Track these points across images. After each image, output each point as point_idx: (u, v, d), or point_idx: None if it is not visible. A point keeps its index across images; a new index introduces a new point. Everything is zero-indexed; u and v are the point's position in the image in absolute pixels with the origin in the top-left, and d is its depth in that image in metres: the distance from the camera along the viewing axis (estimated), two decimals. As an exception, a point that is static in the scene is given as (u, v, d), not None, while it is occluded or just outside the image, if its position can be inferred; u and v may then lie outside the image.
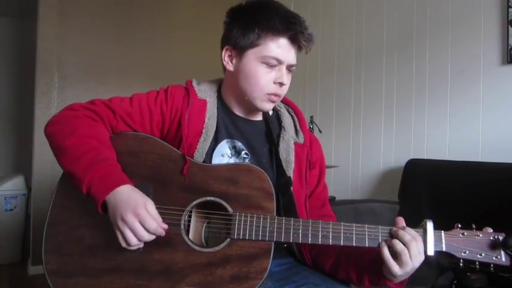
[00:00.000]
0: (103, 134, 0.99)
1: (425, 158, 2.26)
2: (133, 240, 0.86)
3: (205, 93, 1.10)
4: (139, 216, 0.86)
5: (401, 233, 0.85)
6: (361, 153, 2.69)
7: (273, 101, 1.06)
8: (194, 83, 1.11)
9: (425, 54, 2.33)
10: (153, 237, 0.88)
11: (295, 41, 1.02)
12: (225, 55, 1.09)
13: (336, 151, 2.83)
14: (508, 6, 1.94)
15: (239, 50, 1.05)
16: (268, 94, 1.04)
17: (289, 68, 1.05)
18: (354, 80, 2.77)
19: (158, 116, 1.04)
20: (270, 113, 1.18)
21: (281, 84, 1.03)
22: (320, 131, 2.48)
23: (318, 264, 1.07)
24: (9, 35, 4.35)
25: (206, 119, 1.05)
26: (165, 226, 0.90)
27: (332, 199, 2.39)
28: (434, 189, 2.04)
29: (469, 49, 2.11)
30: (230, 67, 1.08)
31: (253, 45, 1.02)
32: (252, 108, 1.10)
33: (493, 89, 2.01)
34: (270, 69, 1.02)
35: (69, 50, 3.09)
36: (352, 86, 2.77)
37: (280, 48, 1.01)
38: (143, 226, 0.86)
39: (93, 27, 3.18)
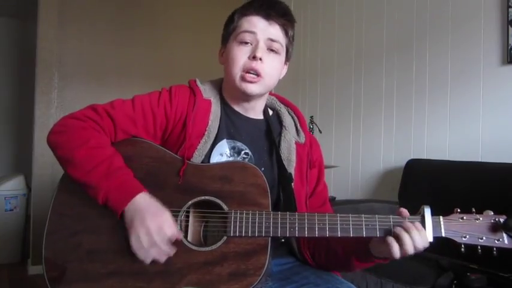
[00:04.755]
0: (109, 143, 1.00)
1: (425, 158, 2.26)
2: (146, 243, 0.88)
3: (209, 93, 1.10)
4: (157, 221, 0.88)
5: (409, 226, 0.86)
6: (361, 153, 2.69)
7: (249, 81, 1.02)
8: (198, 83, 1.11)
9: (425, 54, 2.33)
10: (165, 246, 0.89)
11: (268, 17, 1.04)
12: (219, 54, 1.14)
13: (336, 151, 2.83)
14: (508, 6, 1.94)
15: (225, 42, 1.10)
16: (243, 72, 1.02)
17: (269, 45, 1.04)
18: (354, 80, 2.77)
19: (162, 118, 1.03)
20: (270, 112, 1.18)
21: (255, 57, 1.01)
22: (320, 131, 2.48)
23: (316, 259, 1.07)
24: (9, 35, 4.35)
25: (210, 121, 1.05)
26: (180, 236, 0.90)
27: (332, 199, 2.39)
28: (434, 190, 2.04)
29: (469, 49, 2.11)
30: (223, 61, 1.12)
31: (232, 31, 1.07)
32: (242, 96, 1.08)
33: (493, 89, 2.01)
34: (245, 46, 1.04)
35: (69, 50, 3.09)
36: (352, 86, 2.77)
37: (250, 23, 1.04)
38: (161, 231, 0.87)
39: (93, 27, 3.18)
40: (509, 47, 1.93)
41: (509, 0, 1.93)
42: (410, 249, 0.85)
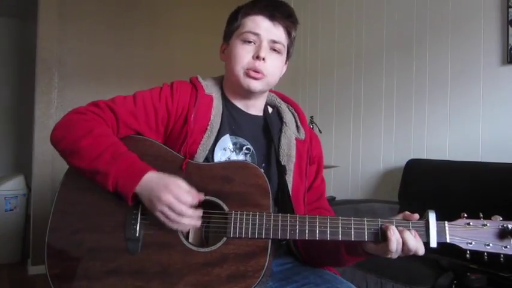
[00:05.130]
0: (112, 133, 1.00)
1: (425, 158, 2.26)
2: (173, 215, 0.88)
3: (211, 88, 1.11)
4: (172, 192, 0.88)
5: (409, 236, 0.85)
6: (361, 153, 2.69)
7: (253, 77, 1.04)
8: (200, 79, 1.11)
9: (425, 54, 2.32)
10: (191, 212, 0.89)
11: (272, 18, 1.05)
12: (221, 51, 1.14)
13: (336, 151, 2.83)
14: (508, 6, 1.94)
15: (228, 39, 1.10)
16: (247, 69, 1.03)
17: (272, 46, 1.05)
18: (354, 80, 2.77)
19: (164, 113, 1.04)
20: (270, 110, 1.18)
21: (258, 57, 1.03)
22: (320, 131, 2.48)
23: (310, 254, 1.07)
24: (9, 35, 4.35)
25: (212, 116, 1.06)
26: (201, 197, 0.91)
27: (332, 199, 2.39)
28: (434, 189, 2.04)
29: (469, 49, 2.11)
30: (224, 57, 1.12)
31: (235, 29, 1.08)
32: (244, 93, 1.09)
33: (493, 89, 2.01)
34: (249, 44, 1.04)
35: (69, 50, 3.09)
36: (352, 86, 2.77)
37: (254, 23, 1.05)
38: (180, 201, 0.88)
39: (93, 27, 3.18)
40: (509, 47, 1.93)
41: (509, 0, 1.93)
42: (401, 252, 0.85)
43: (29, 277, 2.94)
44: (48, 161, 2.90)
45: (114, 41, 3.25)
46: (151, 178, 0.90)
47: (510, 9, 1.93)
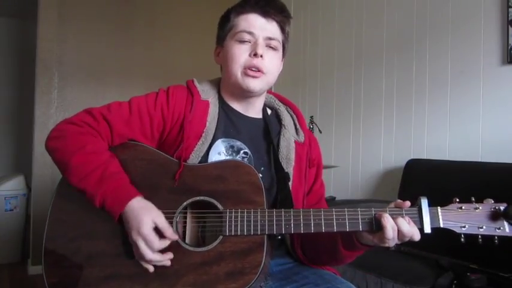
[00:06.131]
0: (106, 148, 0.99)
1: (425, 158, 2.26)
2: (140, 257, 0.89)
3: (208, 93, 1.09)
4: (143, 236, 0.88)
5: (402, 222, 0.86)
6: (361, 153, 2.69)
7: (252, 76, 1.03)
8: (196, 83, 1.10)
9: (425, 54, 2.32)
10: (155, 258, 0.89)
11: (265, 14, 1.04)
12: (215, 54, 1.14)
13: (336, 151, 2.83)
14: (508, 6, 1.94)
15: (222, 42, 1.10)
16: (245, 68, 1.03)
17: (268, 43, 1.05)
18: (354, 80, 2.76)
19: (159, 120, 1.03)
20: (269, 112, 1.18)
21: (256, 55, 1.02)
22: (320, 131, 2.48)
23: (307, 254, 1.07)
24: (9, 35, 4.35)
25: (207, 123, 1.05)
26: (174, 237, 0.90)
27: (332, 199, 2.39)
28: (434, 190, 2.04)
29: (469, 49, 2.11)
30: (219, 61, 1.12)
31: (229, 30, 1.07)
32: (243, 94, 1.08)
33: (493, 89, 2.01)
34: (244, 44, 1.04)
35: (69, 50, 3.09)
36: (352, 86, 2.77)
37: (248, 22, 1.04)
38: (147, 246, 0.88)
39: (93, 27, 3.18)
40: (509, 47, 1.93)
41: (509, 0, 1.93)
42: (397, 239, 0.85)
43: (29, 277, 2.95)
44: (48, 161, 2.85)
45: (113, 41, 3.25)
46: (133, 209, 0.90)
47: (510, 9, 1.93)
